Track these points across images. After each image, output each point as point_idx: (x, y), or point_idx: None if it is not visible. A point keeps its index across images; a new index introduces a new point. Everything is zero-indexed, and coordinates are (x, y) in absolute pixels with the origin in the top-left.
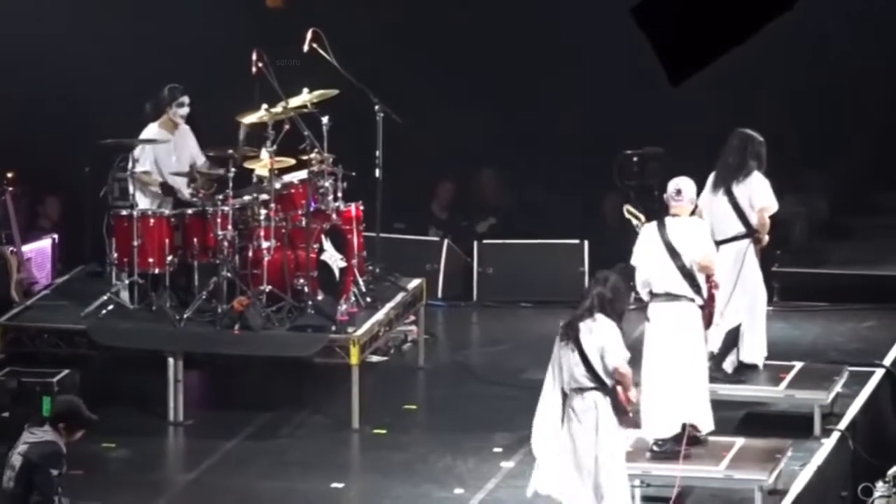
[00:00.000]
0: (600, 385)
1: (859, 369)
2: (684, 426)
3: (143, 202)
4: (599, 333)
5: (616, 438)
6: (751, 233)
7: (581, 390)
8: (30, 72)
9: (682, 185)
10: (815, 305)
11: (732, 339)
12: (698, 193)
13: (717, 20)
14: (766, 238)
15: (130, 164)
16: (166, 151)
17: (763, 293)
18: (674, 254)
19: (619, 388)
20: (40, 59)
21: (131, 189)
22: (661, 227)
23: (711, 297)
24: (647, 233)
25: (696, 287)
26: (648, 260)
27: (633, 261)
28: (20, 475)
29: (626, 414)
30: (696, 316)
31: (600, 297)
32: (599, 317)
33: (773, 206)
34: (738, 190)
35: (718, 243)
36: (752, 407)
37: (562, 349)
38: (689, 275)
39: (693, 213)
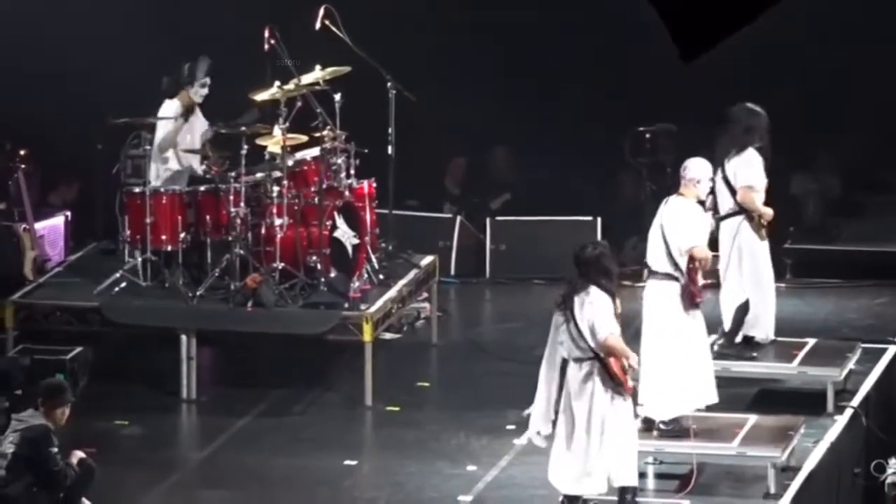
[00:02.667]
0: (596, 356)
1: (872, 346)
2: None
3: (156, 179)
4: (589, 307)
5: (609, 409)
6: (742, 209)
7: (579, 361)
8: (42, 50)
9: (688, 163)
10: (827, 282)
11: (742, 315)
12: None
13: None
14: (766, 214)
15: (153, 142)
16: (185, 128)
17: (768, 269)
18: (663, 233)
19: (611, 360)
20: (52, 37)
21: (153, 167)
22: (665, 205)
23: (691, 278)
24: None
25: (676, 267)
26: (650, 238)
27: None
28: (14, 462)
29: (620, 385)
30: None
31: (589, 266)
32: (593, 289)
33: (756, 183)
34: (729, 167)
35: (721, 219)
36: (764, 384)
37: (559, 320)
38: (671, 255)
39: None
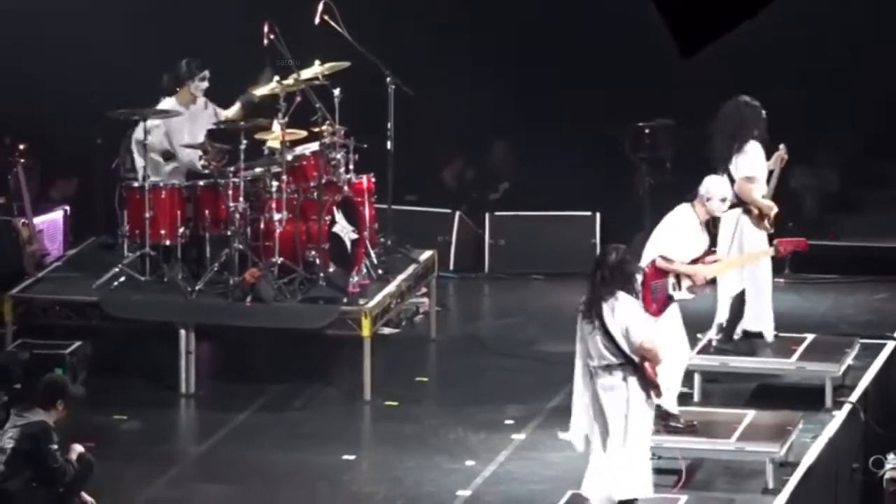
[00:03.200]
0: (628, 361)
1: (871, 341)
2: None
3: (154, 174)
4: (622, 313)
5: (644, 415)
6: (741, 202)
7: (609, 367)
8: (42, 45)
9: (705, 180)
10: (826, 278)
11: (738, 309)
12: None
13: None
14: (763, 206)
15: (142, 135)
16: (178, 124)
17: (766, 263)
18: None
19: (646, 364)
20: (52, 33)
21: (138, 160)
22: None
23: (644, 294)
24: None
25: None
26: None
27: None
28: (13, 458)
29: (657, 388)
30: None
31: (613, 271)
32: (621, 295)
33: (756, 174)
34: (732, 162)
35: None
36: (763, 379)
37: (585, 329)
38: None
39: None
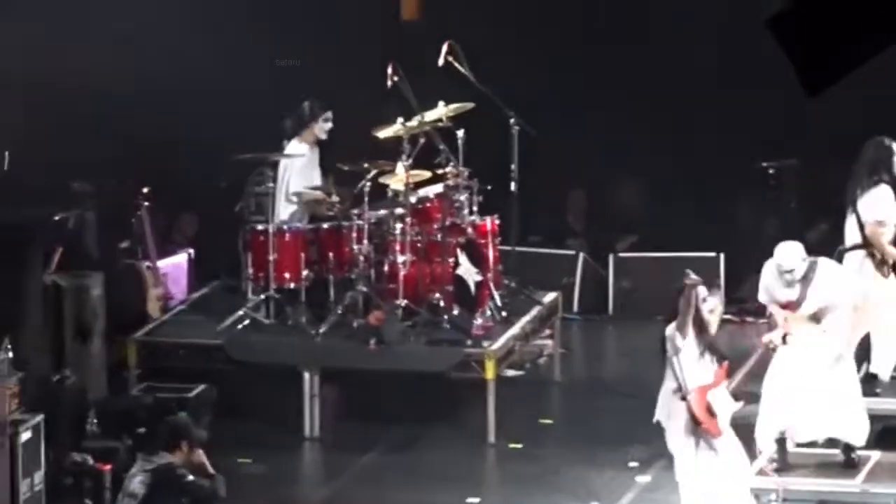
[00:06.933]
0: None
1: None
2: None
3: (283, 215)
4: None
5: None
6: (866, 244)
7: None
8: (167, 88)
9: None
10: None
11: (863, 351)
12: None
13: (855, 30)
14: (889, 254)
15: (276, 182)
16: (301, 165)
17: (890, 306)
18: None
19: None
20: (175, 76)
21: (276, 204)
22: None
23: None
24: None
25: None
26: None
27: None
28: (148, 500)
29: (695, 420)
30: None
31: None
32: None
33: (887, 219)
34: (861, 202)
35: (846, 251)
36: (888, 420)
37: None
38: None
39: None
